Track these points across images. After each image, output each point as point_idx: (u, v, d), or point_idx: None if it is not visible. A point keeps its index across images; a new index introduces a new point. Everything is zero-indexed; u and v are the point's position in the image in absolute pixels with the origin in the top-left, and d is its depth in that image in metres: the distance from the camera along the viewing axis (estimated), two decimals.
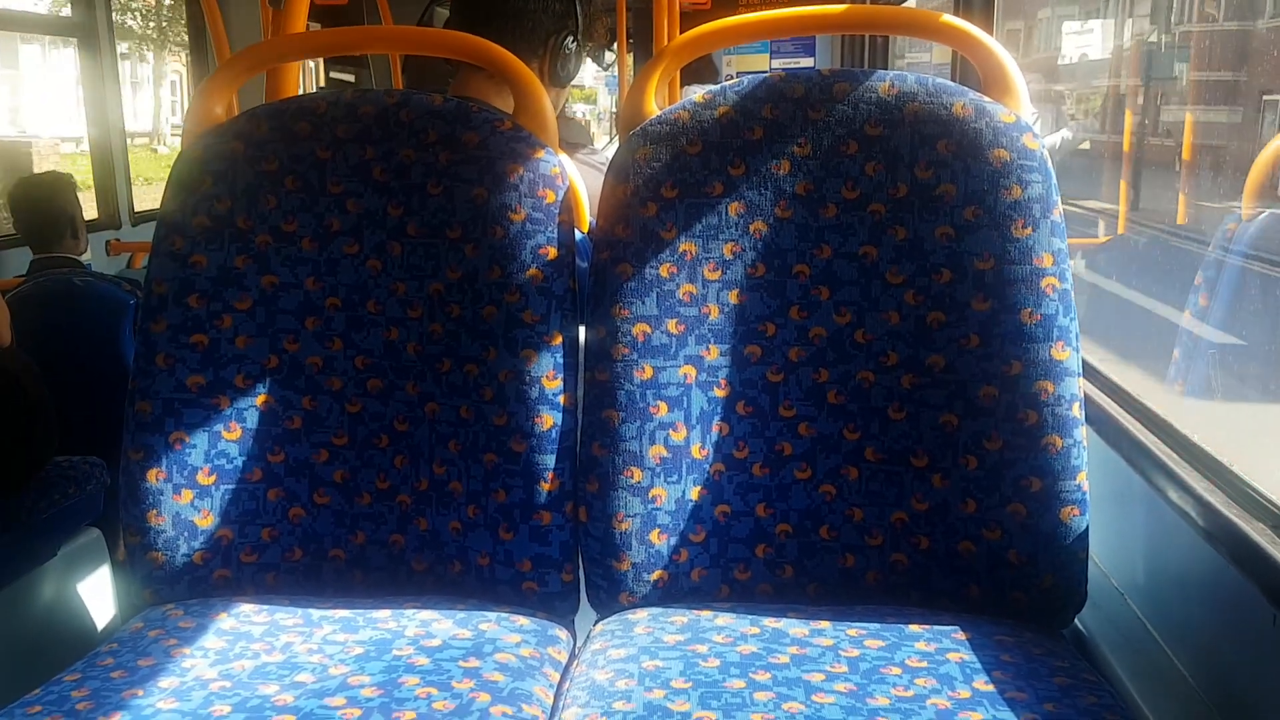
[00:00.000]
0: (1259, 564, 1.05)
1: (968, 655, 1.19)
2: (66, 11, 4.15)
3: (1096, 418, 1.45)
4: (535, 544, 1.35)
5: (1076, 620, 1.35)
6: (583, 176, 1.54)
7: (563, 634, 1.34)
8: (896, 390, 1.32)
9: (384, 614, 1.31)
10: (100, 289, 2.90)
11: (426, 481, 1.38)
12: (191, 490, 1.37)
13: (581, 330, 1.40)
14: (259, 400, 1.38)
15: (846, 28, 1.55)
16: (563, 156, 1.43)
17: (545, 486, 1.34)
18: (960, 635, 1.23)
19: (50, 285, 2.86)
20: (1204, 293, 1.81)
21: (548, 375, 1.34)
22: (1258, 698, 1.11)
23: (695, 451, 1.33)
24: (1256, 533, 1.08)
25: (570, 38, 1.78)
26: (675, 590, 1.35)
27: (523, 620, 1.32)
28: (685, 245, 1.33)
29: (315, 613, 1.32)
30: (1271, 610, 1.04)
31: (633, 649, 1.23)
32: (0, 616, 1.98)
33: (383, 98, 1.42)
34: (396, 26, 4.65)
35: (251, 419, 1.38)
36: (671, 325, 1.33)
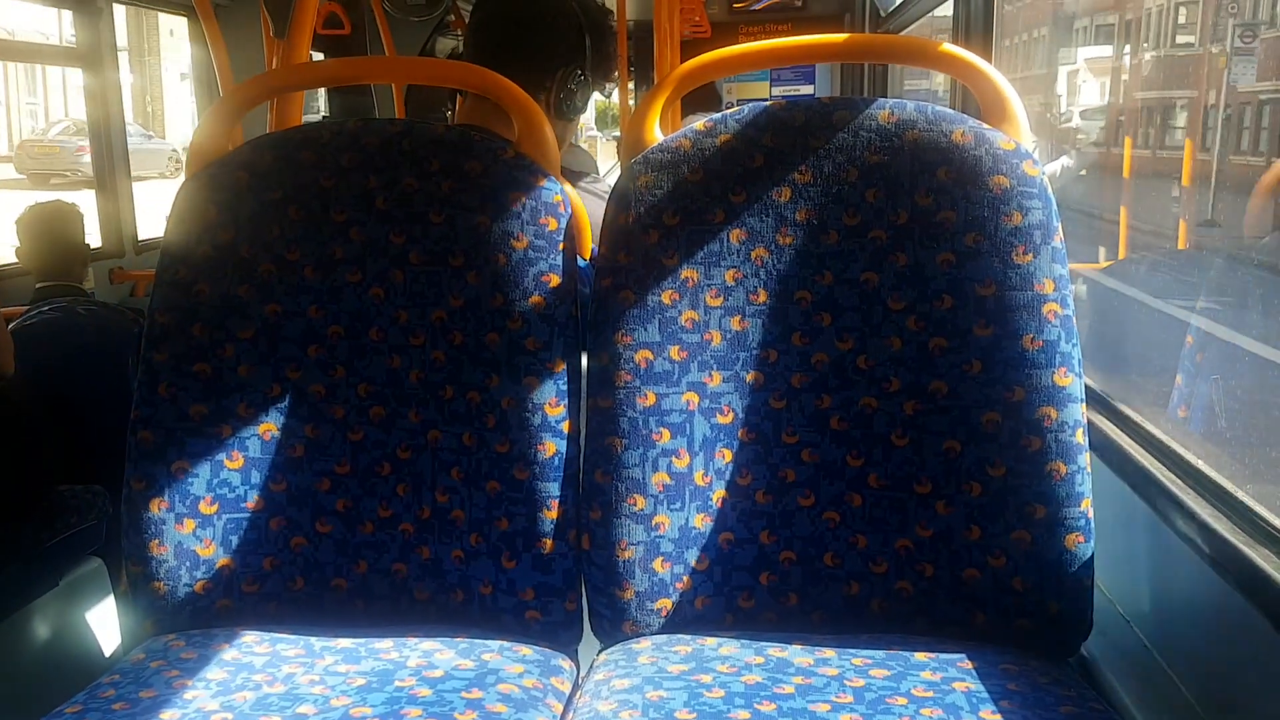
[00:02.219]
0: (1266, 591, 1.05)
1: (974, 684, 1.18)
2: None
3: (1101, 444, 1.45)
4: (538, 573, 1.34)
5: (1083, 648, 1.34)
6: (584, 204, 1.55)
7: (566, 664, 1.33)
8: (899, 416, 1.31)
9: (386, 644, 1.31)
10: (104, 318, 2.91)
11: (429, 510, 1.37)
12: (194, 520, 1.36)
13: (584, 357, 1.40)
14: (261, 429, 1.38)
15: (848, 56, 1.56)
16: (564, 184, 1.43)
17: (548, 514, 1.33)
18: (966, 664, 1.22)
19: (54, 314, 2.86)
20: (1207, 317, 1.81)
21: (550, 402, 1.34)
22: None
23: (698, 478, 1.33)
24: (1263, 559, 1.07)
25: (579, 72, 1.80)
26: (679, 619, 1.34)
27: (525, 650, 1.31)
28: (687, 272, 1.33)
29: (317, 643, 1.32)
30: (1279, 637, 1.04)
31: (636, 679, 1.22)
32: (2, 646, 1.97)
33: (386, 127, 1.43)
34: (399, 57, 4.68)
35: (254, 448, 1.38)
36: (674, 352, 1.33)
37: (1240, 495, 1.20)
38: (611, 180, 1.50)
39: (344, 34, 4.25)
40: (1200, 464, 1.30)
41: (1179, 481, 1.29)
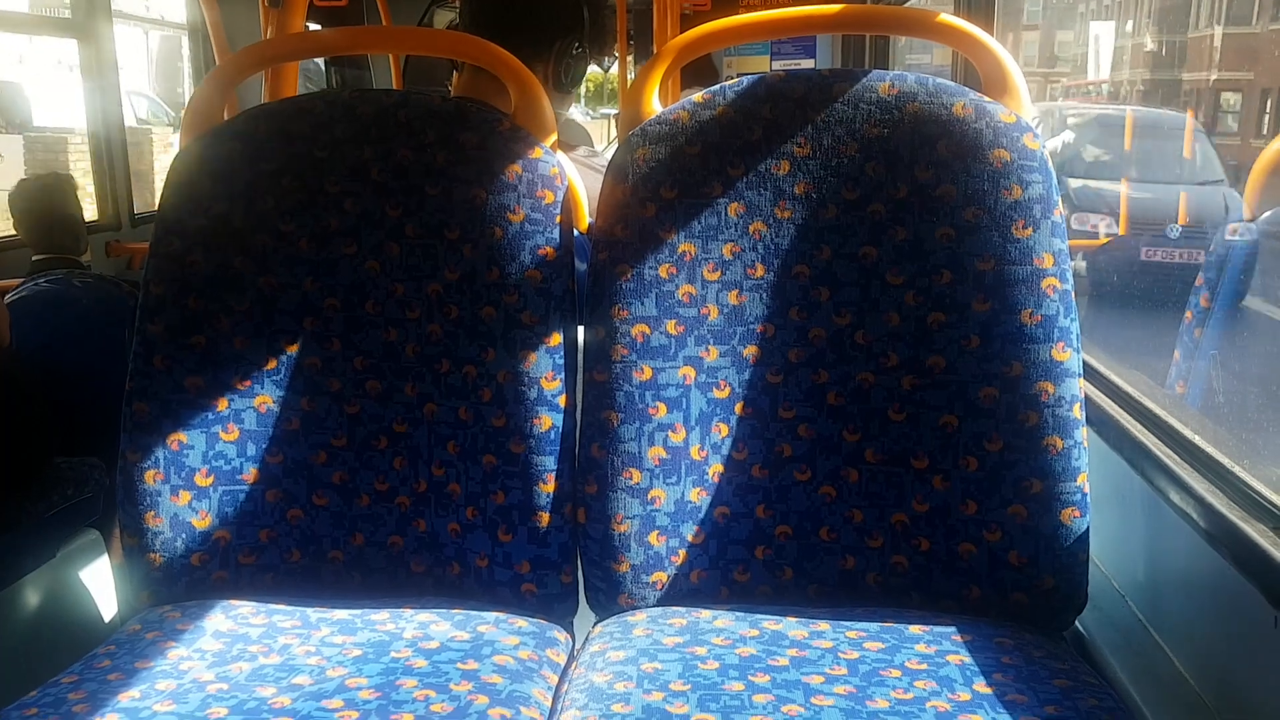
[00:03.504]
0: (1260, 565, 1.05)
1: (968, 657, 1.18)
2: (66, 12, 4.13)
3: (1097, 419, 1.45)
4: (534, 546, 1.34)
5: (1077, 622, 1.35)
6: (581, 177, 1.54)
7: (561, 636, 1.33)
8: (896, 391, 1.31)
9: (382, 616, 1.31)
10: (100, 290, 2.90)
11: (425, 483, 1.37)
12: (189, 491, 1.36)
13: (580, 331, 1.39)
14: (257, 401, 1.38)
15: (846, 27, 1.55)
16: (561, 156, 1.42)
17: (544, 488, 1.33)
18: (960, 637, 1.23)
19: (50, 287, 2.85)
20: (1205, 293, 1.81)
21: (546, 376, 1.34)
22: (1259, 700, 1.11)
23: (694, 453, 1.33)
24: (1258, 534, 1.07)
25: (576, 44, 1.78)
26: (674, 592, 1.34)
27: (521, 622, 1.31)
28: (684, 246, 1.33)
29: (313, 614, 1.32)
30: (1273, 612, 1.04)
31: (631, 651, 1.22)
32: None
33: (381, 98, 1.42)
34: (396, 27, 4.65)
35: (250, 420, 1.38)
36: (670, 326, 1.32)
37: (1236, 470, 1.20)
38: (608, 156, 1.49)
39: (340, 4, 4.22)
40: (1197, 439, 1.30)
41: (1175, 457, 1.29)
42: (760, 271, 1.33)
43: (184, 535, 1.36)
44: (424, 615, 1.31)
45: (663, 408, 1.32)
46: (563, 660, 1.29)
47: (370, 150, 1.39)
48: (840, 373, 1.32)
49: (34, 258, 3.13)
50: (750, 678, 1.15)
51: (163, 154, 10.24)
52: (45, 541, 2.12)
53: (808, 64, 6.32)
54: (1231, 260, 1.78)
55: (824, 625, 1.27)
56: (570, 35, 1.79)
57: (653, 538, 1.32)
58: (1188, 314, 1.83)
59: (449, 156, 1.37)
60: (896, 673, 1.16)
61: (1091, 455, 1.28)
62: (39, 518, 2.11)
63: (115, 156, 4.16)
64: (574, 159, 1.77)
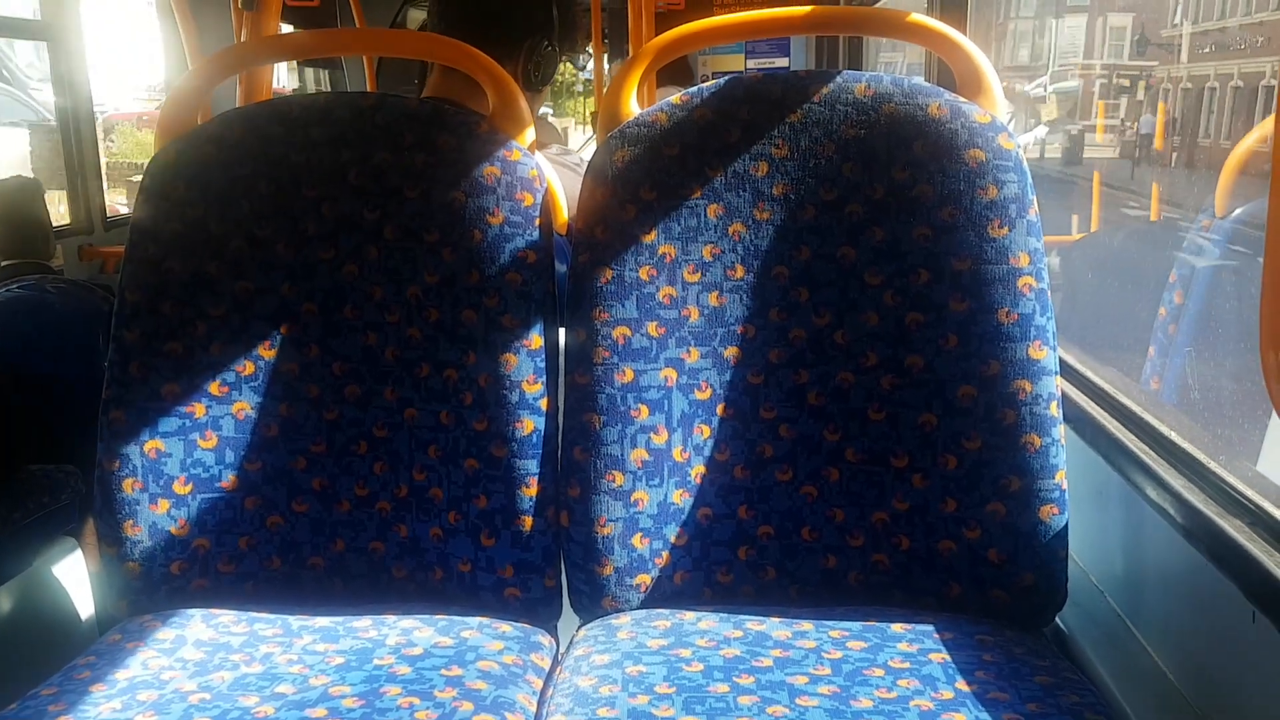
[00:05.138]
0: (1237, 561, 1.06)
1: (950, 656, 1.19)
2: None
3: (1074, 416, 1.46)
4: (517, 550, 1.34)
5: (1057, 619, 1.36)
6: (557, 175, 1.54)
7: (546, 640, 1.33)
8: (876, 391, 1.32)
9: (365, 623, 1.30)
10: (73, 295, 2.87)
11: (406, 488, 1.37)
12: (168, 500, 1.35)
13: (561, 334, 1.39)
14: (235, 408, 1.37)
15: (822, 28, 1.55)
16: (539, 156, 1.42)
17: (526, 492, 1.33)
18: (942, 635, 1.23)
19: (23, 292, 2.82)
20: (1179, 289, 1.83)
21: (528, 379, 1.33)
22: (1238, 694, 1.12)
23: (677, 454, 1.33)
24: (1234, 529, 1.09)
25: (546, 42, 1.78)
26: (658, 594, 1.34)
27: (505, 627, 1.31)
28: (664, 248, 1.33)
29: (295, 622, 1.31)
30: (1250, 607, 1.05)
31: (616, 654, 1.22)
32: None
33: (357, 101, 1.41)
34: (371, 29, 4.62)
35: (228, 427, 1.37)
36: (651, 328, 1.32)
37: (1212, 466, 1.21)
38: (585, 154, 1.49)
39: (313, 5, 4.20)
40: (1173, 435, 1.31)
41: (1151, 453, 1.30)
42: (740, 273, 1.34)
43: (163, 544, 1.35)
44: (407, 621, 1.30)
45: (644, 410, 1.32)
46: (547, 664, 1.29)
47: (347, 153, 1.38)
48: (820, 373, 1.33)
49: (3, 264, 3.10)
50: (735, 679, 1.15)
51: None
52: (20, 550, 2.10)
53: (782, 63, 6.33)
54: (1205, 257, 1.80)
55: (807, 625, 1.27)
56: (539, 34, 1.78)
57: (636, 540, 1.32)
58: (1161, 310, 1.85)
59: (427, 159, 1.36)
60: (880, 672, 1.16)
61: (1069, 452, 1.29)
62: (13, 526, 2.09)
63: (86, 159, 4.12)
64: (547, 157, 1.77)
